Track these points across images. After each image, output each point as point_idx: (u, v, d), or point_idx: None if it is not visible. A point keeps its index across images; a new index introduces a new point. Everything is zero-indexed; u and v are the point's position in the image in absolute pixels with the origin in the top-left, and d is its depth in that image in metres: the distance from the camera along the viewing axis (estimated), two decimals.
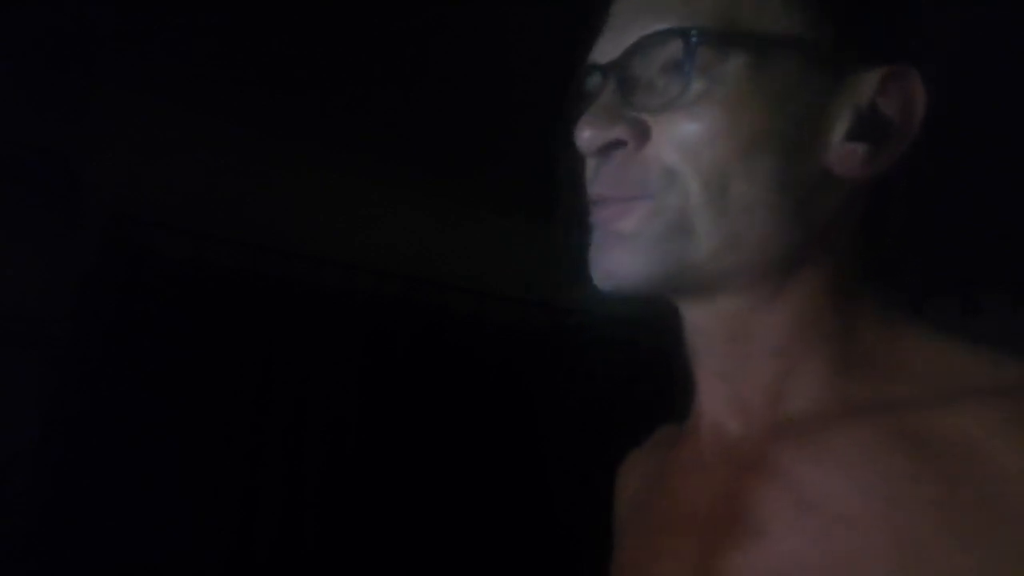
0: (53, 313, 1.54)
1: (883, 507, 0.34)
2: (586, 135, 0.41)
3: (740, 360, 0.43)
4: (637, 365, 2.01)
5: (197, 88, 1.76)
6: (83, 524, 1.40)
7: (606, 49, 0.43)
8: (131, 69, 1.68)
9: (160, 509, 1.48)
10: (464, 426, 1.96)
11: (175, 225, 1.66)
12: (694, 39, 0.38)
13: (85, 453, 1.44)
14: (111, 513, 1.43)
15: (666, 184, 0.39)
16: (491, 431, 2.01)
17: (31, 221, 1.58)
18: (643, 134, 0.40)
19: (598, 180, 0.42)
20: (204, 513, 1.55)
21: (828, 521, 0.36)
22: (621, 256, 0.40)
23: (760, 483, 0.40)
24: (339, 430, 1.78)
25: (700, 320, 0.45)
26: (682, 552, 0.43)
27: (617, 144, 0.41)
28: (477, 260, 2.27)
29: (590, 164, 0.44)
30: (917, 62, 0.41)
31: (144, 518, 1.46)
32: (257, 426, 1.67)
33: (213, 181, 1.84)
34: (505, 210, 2.34)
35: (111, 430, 1.47)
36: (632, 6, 0.43)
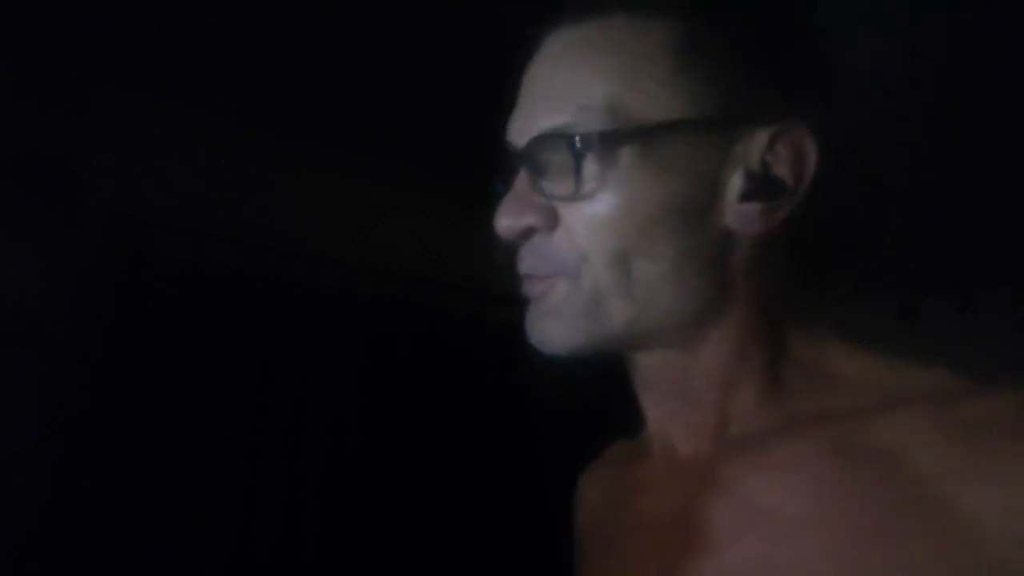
0: (53, 313, 1.54)
1: (821, 514, 0.37)
2: (503, 224, 0.45)
3: (680, 394, 0.46)
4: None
5: (197, 88, 1.76)
6: (83, 524, 1.40)
7: (515, 131, 0.46)
8: (131, 69, 1.68)
9: (160, 509, 1.48)
10: (463, 426, 1.96)
11: (175, 225, 1.66)
12: (578, 144, 0.41)
13: (85, 453, 1.44)
14: (111, 513, 1.43)
15: (578, 265, 0.42)
16: (491, 431, 2.01)
17: (31, 221, 1.58)
18: (552, 219, 0.43)
19: (522, 258, 0.46)
20: (204, 513, 1.55)
21: (773, 529, 0.39)
22: (549, 327, 0.44)
23: (709, 498, 0.43)
24: (339, 430, 1.79)
25: (638, 364, 0.48)
26: (643, 564, 0.46)
27: (531, 230, 0.44)
28: (477, 260, 2.27)
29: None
30: (811, 117, 0.42)
31: (144, 518, 1.46)
32: (257, 426, 1.67)
33: (213, 181, 1.84)
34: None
35: (111, 430, 1.47)
36: (532, 91, 0.46)
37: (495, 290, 2.18)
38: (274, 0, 1.42)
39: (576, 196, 0.42)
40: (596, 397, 1.86)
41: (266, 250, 1.78)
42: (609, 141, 0.41)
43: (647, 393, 0.49)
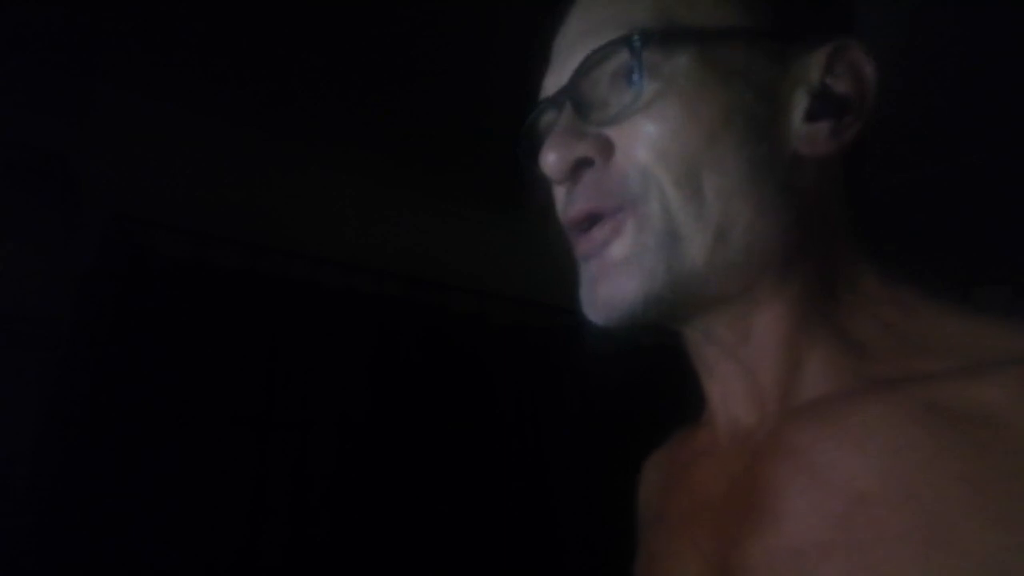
0: (53, 313, 1.54)
1: (906, 483, 0.32)
2: (551, 159, 0.41)
3: (749, 359, 0.43)
4: (639, 365, 2.01)
5: (197, 88, 1.76)
6: (83, 524, 1.40)
7: (552, 82, 0.44)
8: (131, 69, 1.68)
9: (160, 509, 1.48)
10: (465, 427, 1.96)
11: (175, 225, 1.66)
12: (637, 43, 0.39)
13: (85, 453, 1.44)
14: (111, 513, 1.43)
15: (643, 186, 0.39)
16: (493, 432, 2.01)
17: (31, 221, 1.58)
18: (607, 147, 0.41)
19: (573, 200, 0.42)
20: (205, 513, 1.55)
21: (849, 501, 0.34)
22: (619, 283, 0.40)
23: (776, 467, 0.39)
24: (339, 430, 1.78)
25: (703, 333, 0.44)
26: (700, 541, 0.43)
27: (584, 163, 0.41)
28: (477, 260, 2.27)
29: (559, 192, 0.44)
30: (861, 35, 0.41)
31: (144, 518, 1.46)
32: (257, 426, 1.67)
33: (213, 181, 1.84)
34: (507, 209, 2.34)
35: (111, 430, 1.46)
36: (571, 33, 0.44)
37: (497, 290, 2.19)
38: (275, 0, 1.42)
39: (633, 110, 0.39)
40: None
41: (266, 250, 1.78)
42: (667, 43, 0.39)
43: (711, 364, 0.45)
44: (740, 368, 0.44)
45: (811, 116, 0.40)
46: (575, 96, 0.42)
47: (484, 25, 1.48)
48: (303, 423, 1.73)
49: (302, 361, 1.76)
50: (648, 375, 1.80)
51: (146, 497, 1.47)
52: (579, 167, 0.41)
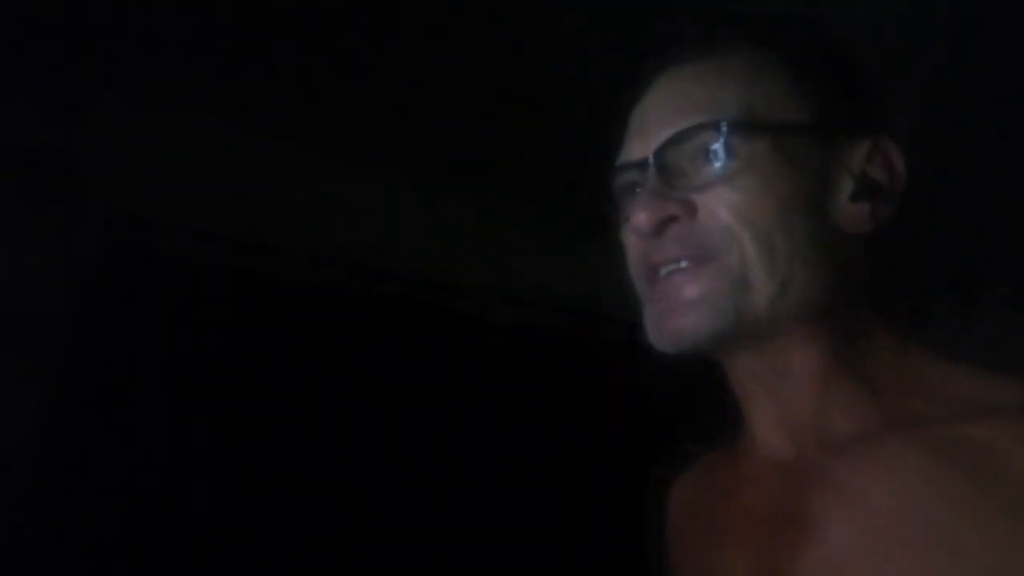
0: (53, 313, 1.54)
1: (924, 508, 0.40)
2: (642, 216, 0.48)
3: (785, 389, 0.51)
4: (646, 371, 2.01)
5: (197, 88, 1.76)
6: (83, 524, 1.40)
7: (637, 148, 0.52)
8: (131, 69, 1.68)
9: (160, 509, 1.48)
10: (465, 428, 1.96)
11: (175, 225, 1.66)
12: (725, 129, 0.47)
13: (85, 453, 1.44)
14: (111, 513, 1.43)
15: (727, 241, 0.47)
16: (495, 434, 2.01)
17: (31, 221, 1.58)
18: (691, 208, 0.48)
19: (660, 249, 0.49)
20: (204, 512, 1.55)
21: (878, 522, 0.42)
22: (689, 319, 0.47)
23: (817, 495, 0.46)
24: (339, 430, 1.78)
25: (748, 363, 0.52)
26: (750, 556, 0.50)
27: (670, 220, 0.49)
28: (481, 261, 2.27)
29: (635, 242, 0.52)
30: (891, 132, 0.50)
31: (144, 518, 1.46)
32: (257, 426, 1.67)
33: (213, 181, 1.84)
34: (510, 211, 2.34)
35: (111, 430, 1.47)
36: (661, 108, 0.52)
37: (501, 291, 2.18)
38: (276, 0, 1.42)
39: (717, 180, 0.47)
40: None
41: (266, 250, 1.78)
42: (746, 130, 0.47)
43: (751, 391, 0.53)
44: (777, 400, 0.52)
45: (854, 198, 0.49)
46: (661, 163, 0.49)
47: (490, 24, 1.48)
48: (302, 422, 1.73)
49: (301, 360, 1.76)
50: (656, 383, 1.80)
51: (146, 496, 1.47)
52: (664, 223, 0.49)
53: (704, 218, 0.48)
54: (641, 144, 0.51)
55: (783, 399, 0.51)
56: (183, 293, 1.63)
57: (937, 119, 1.70)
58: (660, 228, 0.49)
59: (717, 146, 0.47)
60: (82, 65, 1.67)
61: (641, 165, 0.51)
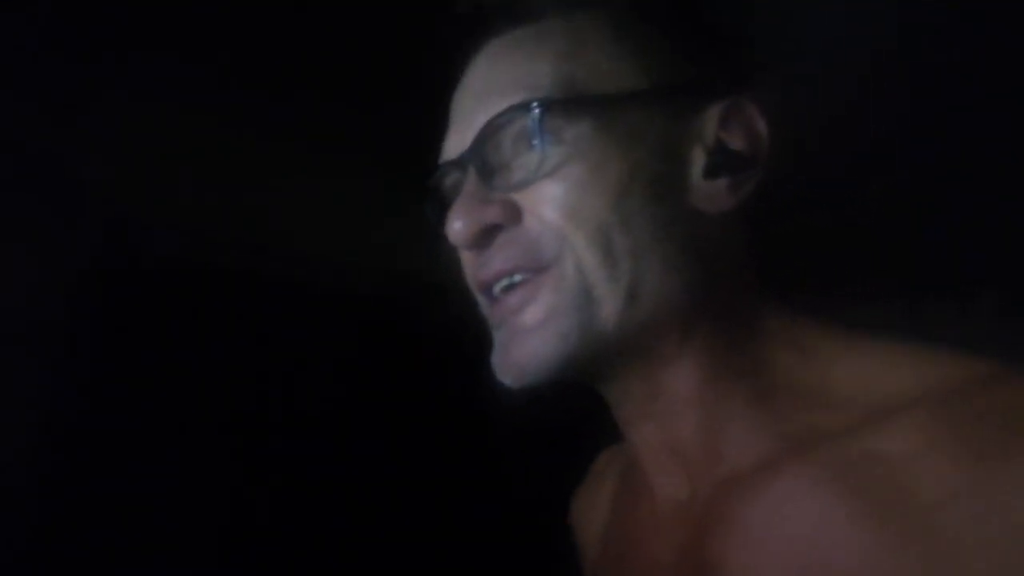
0: (53, 313, 1.53)
1: (828, 546, 0.35)
2: (457, 226, 0.41)
3: (663, 417, 0.43)
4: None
5: (197, 88, 1.76)
6: (82, 524, 1.40)
7: (454, 144, 0.44)
8: (131, 69, 1.68)
9: (159, 509, 1.48)
10: (461, 427, 1.96)
11: (175, 225, 1.66)
12: (538, 110, 0.39)
13: (85, 453, 1.44)
14: (110, 513, 1.43)
15: (558, 248, 0.39)
16: (491, 434, 2.01)
17: (31, 221, 1.58)
18: (515, 212, 0.41)
19: (487, 263, 0.42)
20: (202, 512, 1.55)
21: (782, 565, 0.36)
22: (531, 347, 0.40)
23: (717, 539, 0.40)
24: (339, 430, 1.78)
25: (616, 391, 0.45)
26: None
27: (492, 229, 0.41)
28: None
29: (468, 256, 0.44)
30: (756, 92, 0.42)
31: (143, 518, 1.46)
32: (257, 426, 1.67)
33: (213, 181, 1.84)
34: None
35: (111, 430, 1.47)
36: (472, 94, 0.44)
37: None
38: (275, 0, 1.42)
39: (539, 174, 0.39)
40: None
41: (266, 250, 1.78)
42: (566, 108, 0.39)
43: (629, 421, 0.46)
44: (657, 427, 0.44)
45: (709, 173, 0.41)
46: (478, 161, 0.42)
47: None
48: (302, 422, 1.73)
49: (301, 360, 1.76)
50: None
51: (144, 497, 1.47)
52: (488, 233, 0.41)
53: (529, 222, 0.40)
54: (458, 138, 0.44)
55: (665, 427, 0.43)
56: (182, 293, 1.63)
57: (936, 117, 1.70)
58: (485, 238, 0.41)
59: (534, 131, 0.39)
60: (82, 65, 1.67)
61: (459, 163, 0.43)
